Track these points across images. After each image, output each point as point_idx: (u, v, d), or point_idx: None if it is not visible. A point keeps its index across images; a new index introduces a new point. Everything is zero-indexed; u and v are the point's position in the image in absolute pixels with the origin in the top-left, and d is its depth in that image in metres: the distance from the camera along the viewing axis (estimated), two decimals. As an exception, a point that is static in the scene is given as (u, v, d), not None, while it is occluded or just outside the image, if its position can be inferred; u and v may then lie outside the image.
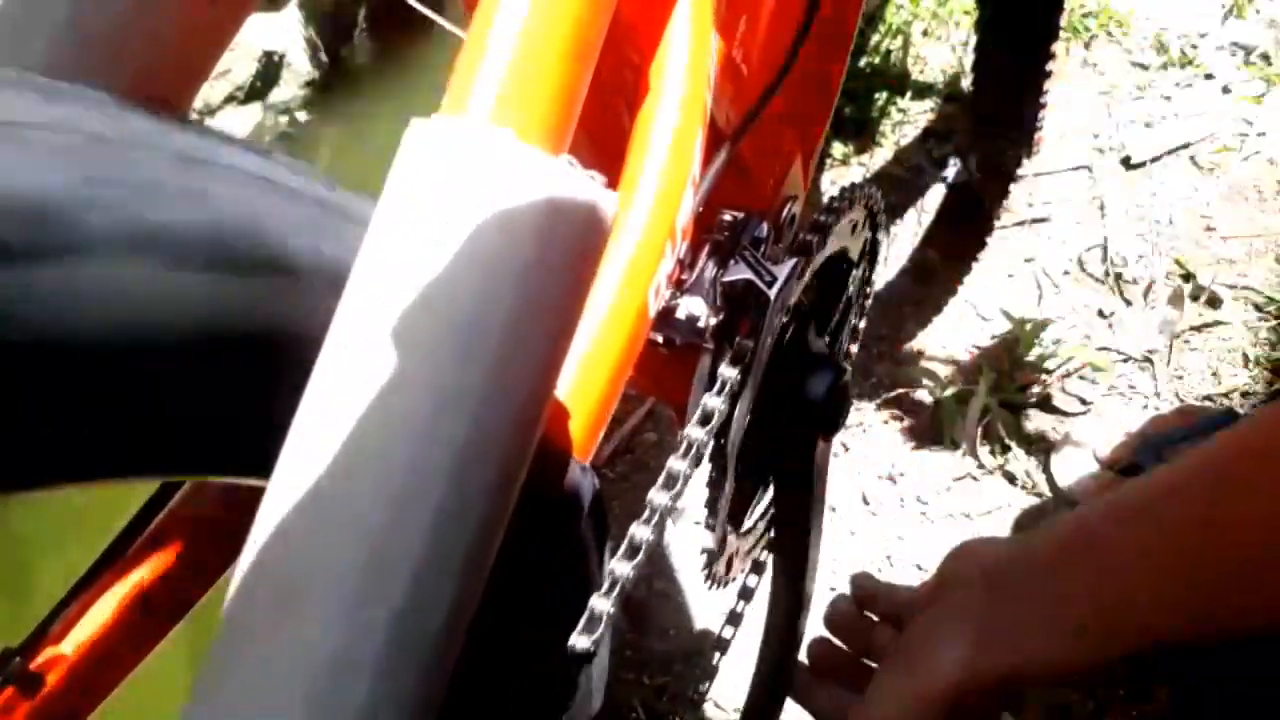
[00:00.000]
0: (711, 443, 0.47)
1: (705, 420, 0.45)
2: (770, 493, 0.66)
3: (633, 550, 0.39)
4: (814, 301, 0.62)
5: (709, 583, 0.63)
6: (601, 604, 0.36)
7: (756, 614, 0.98)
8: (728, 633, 0.71)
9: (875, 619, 0.55)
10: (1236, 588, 0.36)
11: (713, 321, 0.48)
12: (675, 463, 0.43)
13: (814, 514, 0.64)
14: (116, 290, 0.24)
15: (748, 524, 0.66)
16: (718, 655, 0.71)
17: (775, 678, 0.65)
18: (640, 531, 0.39)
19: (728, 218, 0.50)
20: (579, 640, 0.35)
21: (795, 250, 0.52)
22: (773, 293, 0.48)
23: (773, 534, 0.67)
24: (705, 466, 0.52)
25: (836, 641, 0.57)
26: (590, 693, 0.40)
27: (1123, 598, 0.39)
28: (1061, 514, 0.45)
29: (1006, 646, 0.42)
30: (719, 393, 0.46)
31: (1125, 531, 0.40)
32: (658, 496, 0.41)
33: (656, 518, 0.40)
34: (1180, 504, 0.39)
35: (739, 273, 0.48)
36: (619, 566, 0.38)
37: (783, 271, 0.49)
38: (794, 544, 0.65)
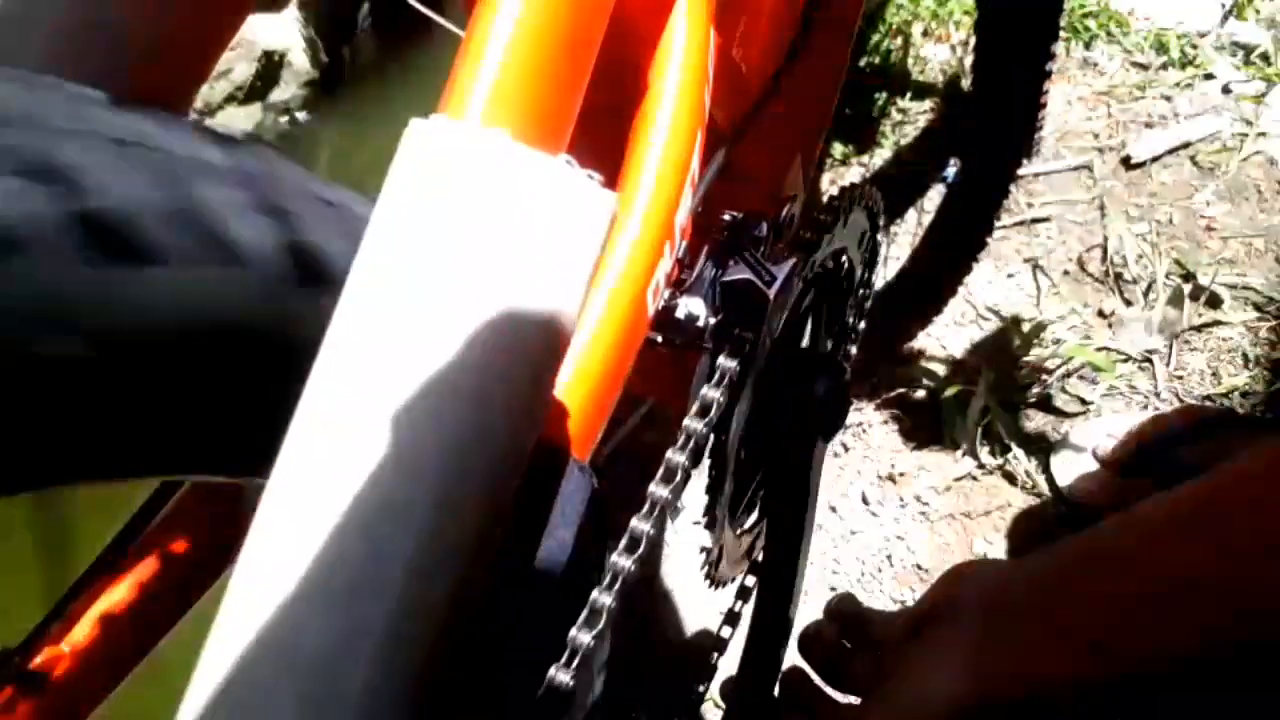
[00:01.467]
0: (711, 440, 0.47)
1: (704, 412, 0.45)
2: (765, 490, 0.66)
3: (633, 544, 0.39)
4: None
5: (709, 582, 0.63)
6: (603, 599, 0.36)
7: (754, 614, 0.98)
8: (726, 632, 0.71)
9: (851, 647, 0.52)
10: (1247, 611, 0.36)
11: (712, 321, 0.48)
12: (673, 455, 0.43)
13: (807, 516, 0.64)
14: (126, 292, 0.24)
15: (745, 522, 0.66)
16: (717, 655, 0.71)
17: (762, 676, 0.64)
18: (640, 525, 0.39)
19: (727, 217, 0.50)
20: (580, 635, 0.35)
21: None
22: (772, 292, 0.48)
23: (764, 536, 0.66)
24: (704, 467, 0.52)
25: (810, 672, 0.53)
26: (590, 690, 0.40)
27: (1141, 614, 0.38)
28: (1061, 538, 0.44)
29: (1013, 667, 0.40)
30: (717, 385, 0.46)
31: (1138, 553, 0.39)
32: (657, 490, 0.41)
33: (656, 511, 0.40)
34: (1186, 535, 0.39)
35: (738, 273, 0.48)
36: (619, 560, 0.38)
37: (782, 271, 0.49)
38: (786, 547, 0.65)
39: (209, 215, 0.26)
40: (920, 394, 1.11)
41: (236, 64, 1.75)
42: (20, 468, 0.24)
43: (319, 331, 0.27)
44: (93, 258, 0.23)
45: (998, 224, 1.22)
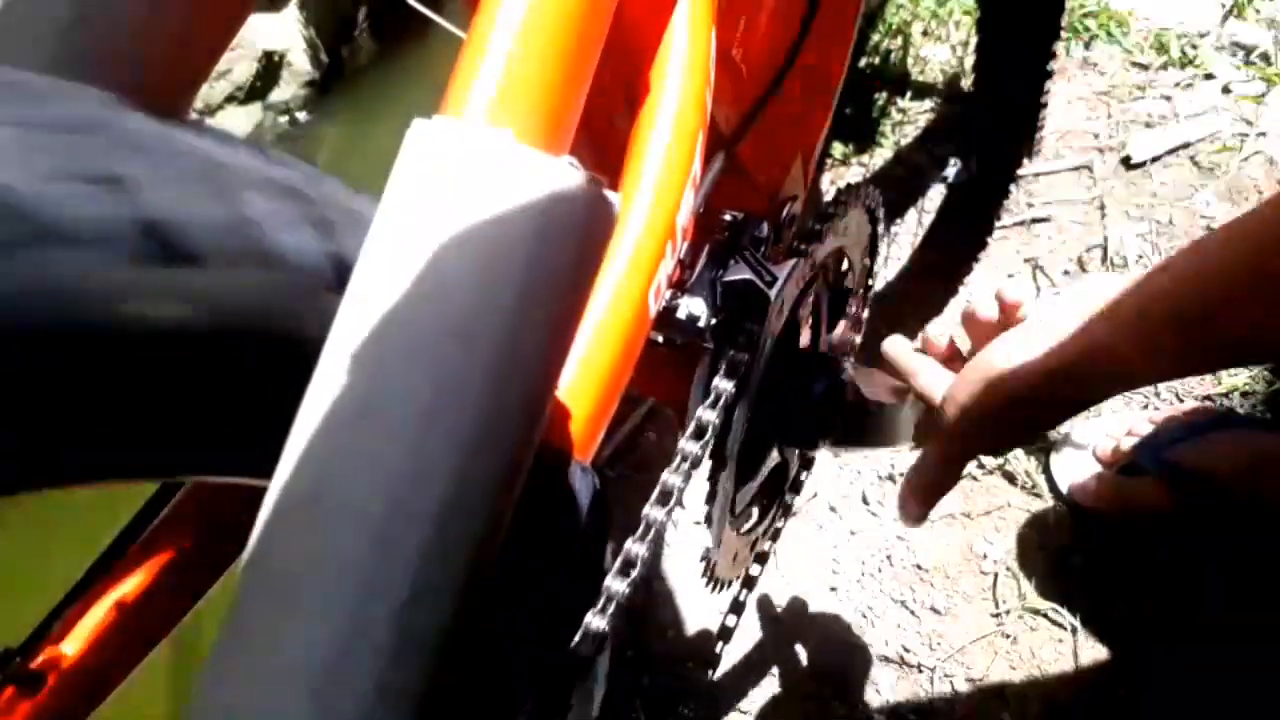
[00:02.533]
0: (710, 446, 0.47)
1: (699, 434, 0.45)
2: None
3: (628, 564, 0.39)
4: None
5: (709, 584, 0.63)
6: (598, 621, 0.36)
7: (755, 613, 0.98)
8: (730, 623, 0.70)
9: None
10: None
11: (713, 321, 0.48)
12: (670, 476, 0.43)
13: None
14: (120, 286, 0.24)
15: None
16: (718, 651, 0.71)
17: None
18: (636, 547, 0.39)
19: (728, 218, 0.51)
20: (578, 652, 0.35)
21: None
22: (773, 293, 0.48)
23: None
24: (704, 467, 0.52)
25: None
26: (590, 693, 0.40)
27: (1187, 285, 0.41)
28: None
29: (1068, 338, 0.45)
30: (713, 405, 0.46)
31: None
32: (653, 511, 0.41)
33: (653, 533, 0.40)
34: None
35: (739, 273, 0.48)
36: (615, 583, 0.38)
37: (783, 272, 0.49)
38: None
39: (254, 224, 0.26)
40: (920, 394, 1.11)
41: (236, 64, 1.75)
42: (23, 467, 0.24)
43: (303, 327, 0.27)
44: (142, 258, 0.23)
45: (998, 224, 1.22)
